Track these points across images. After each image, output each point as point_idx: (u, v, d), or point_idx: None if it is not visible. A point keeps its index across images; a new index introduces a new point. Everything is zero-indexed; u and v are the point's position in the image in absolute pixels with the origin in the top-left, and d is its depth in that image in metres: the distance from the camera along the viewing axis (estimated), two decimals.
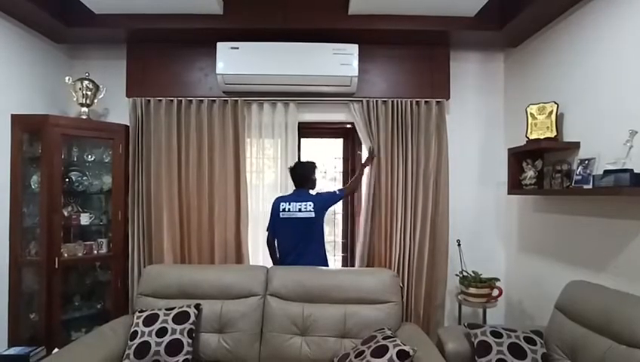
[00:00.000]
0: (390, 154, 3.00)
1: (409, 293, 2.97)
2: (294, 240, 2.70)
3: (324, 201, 2.76)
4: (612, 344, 1.65)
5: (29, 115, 2.68)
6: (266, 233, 2.82)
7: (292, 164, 2.89)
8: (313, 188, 2.84)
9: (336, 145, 3.42)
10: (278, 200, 2.76)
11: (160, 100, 3.03)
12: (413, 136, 3.01)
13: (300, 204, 2.68)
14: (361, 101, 3.02)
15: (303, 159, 3.12)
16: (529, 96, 2.72)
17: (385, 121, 3.01)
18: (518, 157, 2.65)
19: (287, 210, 2.68)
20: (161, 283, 2.37)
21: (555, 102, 2.41)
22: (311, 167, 2.84)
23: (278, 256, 2.79)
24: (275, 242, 2.79)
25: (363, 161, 3.03)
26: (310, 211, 2.67)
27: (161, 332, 2.05)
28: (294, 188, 2.82)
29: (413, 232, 3.00)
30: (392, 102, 3.02)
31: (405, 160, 3.01)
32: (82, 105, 2.92)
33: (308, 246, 2.70)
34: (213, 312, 2.25)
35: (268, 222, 2.81)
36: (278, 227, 2.73)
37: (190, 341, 2.07)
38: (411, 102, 3.02)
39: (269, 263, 2.84)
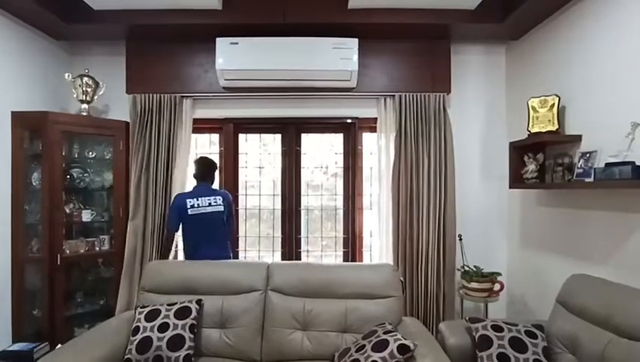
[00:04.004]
0: (404, 150, 3.01)
1: (418, 287, 2.99)
2: (205, 233, 2.72)
3: (229, 201, 2.84)
4: (613, 337, 1.65)
5: (29, 112, 2.69)
6: (166, 231, 2.86)
7: (198, 158, 2.91)
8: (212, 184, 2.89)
9: (336, 140, 3.42)
10: (182, 198, 2.73)
11: (160, 96, 3.02)
12: (419, 131, 3.01)
13: (208, 198, 2.72)
14: (394, 96, 3.03)
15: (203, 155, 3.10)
16: (531, 89, 2.70)
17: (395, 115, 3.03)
18: (519, 151, 2.63)
19: (195, 205, 2.70)
20: (162, 279, 2.37)
21: (557, 95, 2.39)
22: (215, 164, 2.90)
23: (184, 252, 2.83)
24: (181, 239, 2.82)
25: None
26: (220, 205, 2.74)
27: (163, 328, 2.05)
28: (196, 183, 2.83)
29: (426, 225, 2.99)
30: (400, 96, 3.01)
31: (416, 155, 3.01)
32: (82, 101, 2.93)
33: (216, 238, 2.75)
34: (215, 307, 2.25)
35: (168, 220, 2.82)
36: (188, 223, 2.72)
37: (192, 336, 2.07)
38: (414, 96, 3.01)
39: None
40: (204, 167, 2.82)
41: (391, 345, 1.77)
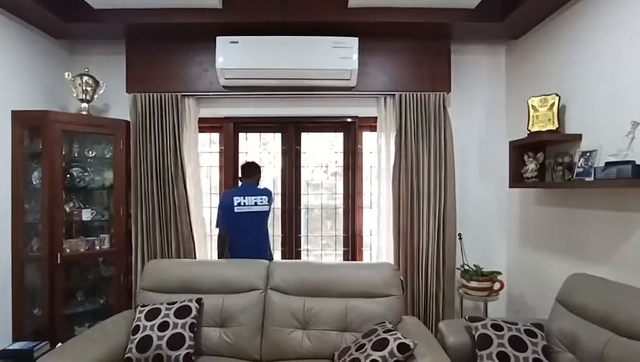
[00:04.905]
0: (404, 149, 3.01)
1: (417, 286, 2.99)
2: (250, 232, 2.75)
3: (272, 199, 2.86)
4: (612, 336, 1.65)
5: (29, 111, 2.68)
6: (217, 229, 2.83)
7: (247, 161, 2.97)
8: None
9: (336, 139, 3.42)
10: (230, 195, 2.77)
11: (160, 95, 3.02)
12: (419, 130, 3.01)
13: (255, 197, 2.75)
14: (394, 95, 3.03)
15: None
16: (531, 88, 2.70)
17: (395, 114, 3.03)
18: (519, 150, 2.63)
19: (242, 204, 2.72)
20: (162, 278, 2.37)
21: (557, 94, 2.38)
22: (259, 166, 2.95)
23: (228, 250, 2.81)
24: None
25: None
26: (265, 205, 2.77)
27: (163, 327, 2.05)
28: (243, 181, 2.87)
29: (426, 224, 2.99)
30: (400, 95, 3.01)
31: (416, 154, 3.01)
32: (82, 100, 2.93)
33: (261, 238, 2.80)
34: (215, 306, 2.25)
35: (217, 218, 2.81)
36: (233, 221, 2.73)
37: (192, 335, 2.08)
38: (414, 96, 3.01)
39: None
40: (251, 169, 2.88)
41: (391, 343, 1.77)
